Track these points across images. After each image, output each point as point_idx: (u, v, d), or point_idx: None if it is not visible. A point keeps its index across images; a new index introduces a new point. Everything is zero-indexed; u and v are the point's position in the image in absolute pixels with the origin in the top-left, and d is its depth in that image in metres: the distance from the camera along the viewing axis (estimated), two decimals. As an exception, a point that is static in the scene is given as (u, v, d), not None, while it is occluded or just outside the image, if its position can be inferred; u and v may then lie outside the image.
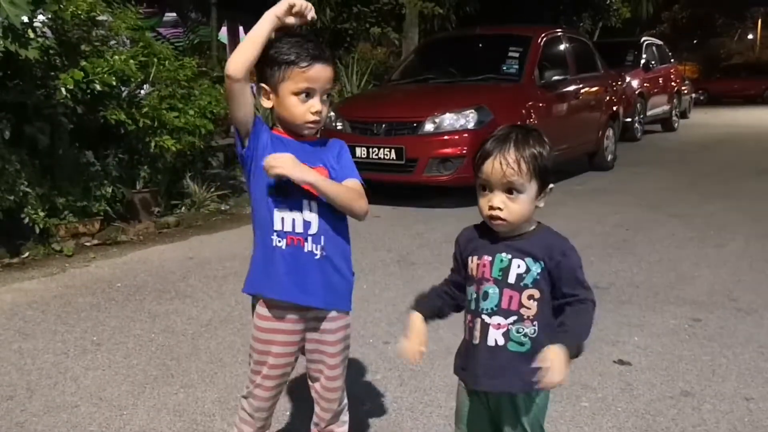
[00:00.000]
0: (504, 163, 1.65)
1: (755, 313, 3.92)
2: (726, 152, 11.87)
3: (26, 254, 5.19)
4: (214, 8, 12.26)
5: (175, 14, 14.75)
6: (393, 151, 6.99)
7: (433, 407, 2.84)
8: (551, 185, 1.73)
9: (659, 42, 16.38)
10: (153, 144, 6.05)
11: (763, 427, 2.68)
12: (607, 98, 9.78)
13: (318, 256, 1.90)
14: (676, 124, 16.00)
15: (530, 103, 7.71)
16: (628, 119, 12.33)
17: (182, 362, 3.33)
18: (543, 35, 8.57)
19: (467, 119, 6.95)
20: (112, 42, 6.28)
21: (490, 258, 1.72)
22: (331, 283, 1.94)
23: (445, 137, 6.95)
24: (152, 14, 12.54)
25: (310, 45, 1.86)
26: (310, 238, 1.89)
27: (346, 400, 2.11)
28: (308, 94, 1.87)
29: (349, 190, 1.90)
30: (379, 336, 3.61)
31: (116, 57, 5.76)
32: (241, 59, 1.82)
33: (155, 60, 6.37)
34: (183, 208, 6.66)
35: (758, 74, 29.59)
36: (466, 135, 6.90)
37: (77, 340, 3.62)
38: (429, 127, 7.00)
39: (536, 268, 1.68)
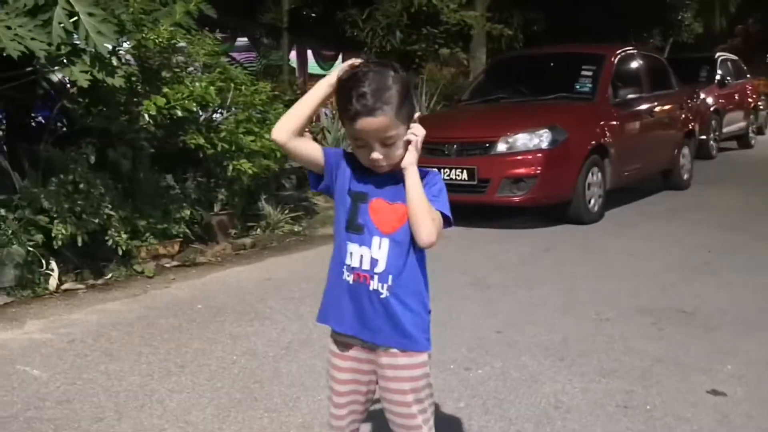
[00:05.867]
0: None
1: None
2: (809, 170, 11.43)
3: (109, 275, 5.32)
4: (285, 33, 12.48)
5: (246, 39, 15.09)
6: (465, 171, 6.94)
7: (521, 437, 2.77)
8: None
9: (734, 57, 15.92)
10: (230, 167, 6.16)
11: None
12: (683, 116, 9.54)
13: (384, 295, 1.82)
14: (753, 141, 15.50)
15: (604, 122, 7.60)
16: (703, 137, 12.00)
17: (265, 385, 3.34)
18: (617, 53, 8.43)
19: (541, 139, 6.86)
20: (190, 69, 6.44)
21: None
22: (400, 322, 1.84)
23: (519, 157, 6.87)
24: (225, 39, 12.84)
25: (360, 98, 1.73)
26: (376, 277, 1.82)
27: None
28: (363, 143, 1.80)
29: (429, 209, 1.80)
30: (459, 362, 3.56)
31: (197, 83, 5.90)
32: (285, 127, 1.84)
33: (232, 85, 6.50)
34: (258, 229, 6.76)
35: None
36: (539, 155, 6.82)
37: (161, 362, 3.68)
38: (502, 147, 6.93)
39: None
